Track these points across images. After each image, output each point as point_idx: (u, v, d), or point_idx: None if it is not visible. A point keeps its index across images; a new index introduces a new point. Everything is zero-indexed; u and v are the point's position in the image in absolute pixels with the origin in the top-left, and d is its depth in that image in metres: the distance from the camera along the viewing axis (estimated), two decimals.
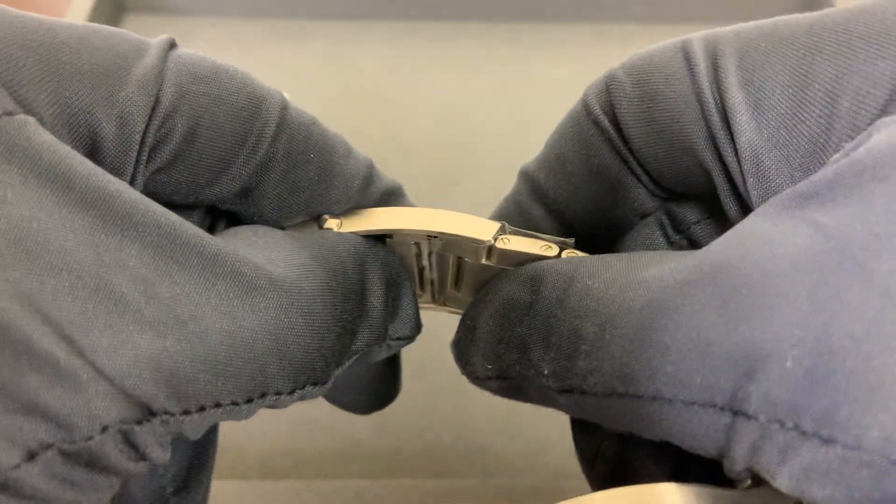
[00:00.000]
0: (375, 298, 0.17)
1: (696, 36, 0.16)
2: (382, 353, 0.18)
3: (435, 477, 0.34)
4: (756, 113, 0.14)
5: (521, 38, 0.49)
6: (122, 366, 0.12)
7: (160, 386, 0.13)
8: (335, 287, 0.16)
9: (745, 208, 0.15)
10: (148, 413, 0.13)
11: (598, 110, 0.17)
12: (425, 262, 0.19)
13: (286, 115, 0.16)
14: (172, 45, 0.15)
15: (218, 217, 0.18)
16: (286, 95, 0.17)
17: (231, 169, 0.16)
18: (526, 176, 0.19)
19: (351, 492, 0.31)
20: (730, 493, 0.12)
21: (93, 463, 0.13)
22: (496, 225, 0.17)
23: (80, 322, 0.12)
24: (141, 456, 0.13)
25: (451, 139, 0.44)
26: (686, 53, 0.15)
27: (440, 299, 0.21)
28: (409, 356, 0.38)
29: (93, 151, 0.14)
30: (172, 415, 0.13)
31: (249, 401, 0.14)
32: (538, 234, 0.17)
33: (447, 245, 0.18)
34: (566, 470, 0.34)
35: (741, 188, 0.15)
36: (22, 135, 0.12)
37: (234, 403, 0.14)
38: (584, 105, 0.17)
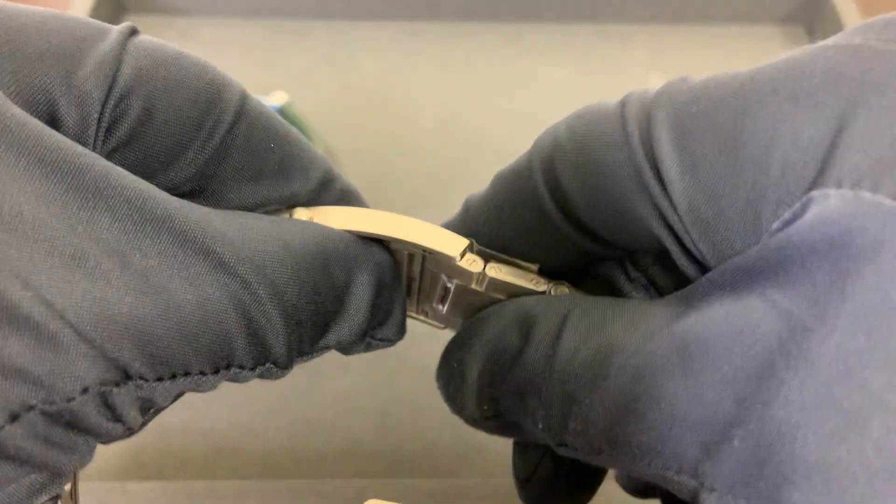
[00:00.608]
0: (360, 299, 0.17)
1: (633, 97, 0.16)
2: (361, 351, 0.18)
3: (435, 477, 0.34)
4: (693, 179, 0.14)
5: (521, 38, 0.49)
6: (102, 329, 0.12)
7: (137, 351, 0.13)
8: (314, 270, 0.16)
9: (699, 264, 0.15)
10: (125, 376, 0.13)
11: (539, 180, 0.17)
12: (416, 274, 0.19)
13: (246, 104, 0.16)
14: (134, 32, 0.16)
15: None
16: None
17: (187, 153, 0.16)
18: (466, 213, 0.19)
19: (351, 492, 0.31)
20: None
21: (73, 424, 0.13)
22: (465, 242, 0.17)
23: (61, 287, 0.12)
24: (117, 418, 0.13)
25: (451, 139, 0.44)
26: (623, 119, 0.15)
27: (422, 311, 0.21)
28: (410, 356, 0.38)
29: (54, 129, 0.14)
30: (147, 380, 0.13)
31: (216, 371, 0.15)
32: (521, 265, 0.18)
33: (439, 264, 0.18)
34: None
35: (692, 249, 0.15)
36: None
37: (202, 373, 0.14)
38: (529, 170, 0.17)
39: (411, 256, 0.19)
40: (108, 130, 0.15)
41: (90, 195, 0.13)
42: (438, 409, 0.36)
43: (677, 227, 0.15)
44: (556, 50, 0.49)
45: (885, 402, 0.11)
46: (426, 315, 0.21)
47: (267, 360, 0.15)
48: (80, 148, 0.13)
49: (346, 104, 0.46)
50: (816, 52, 0.13)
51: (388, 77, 0.47)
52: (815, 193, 0.13)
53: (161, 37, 0.16)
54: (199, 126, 0.16)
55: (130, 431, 0.14)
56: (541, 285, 0.17)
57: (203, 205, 0.17)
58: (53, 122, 0.14)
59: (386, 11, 0.49)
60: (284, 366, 0.16)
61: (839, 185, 0.12)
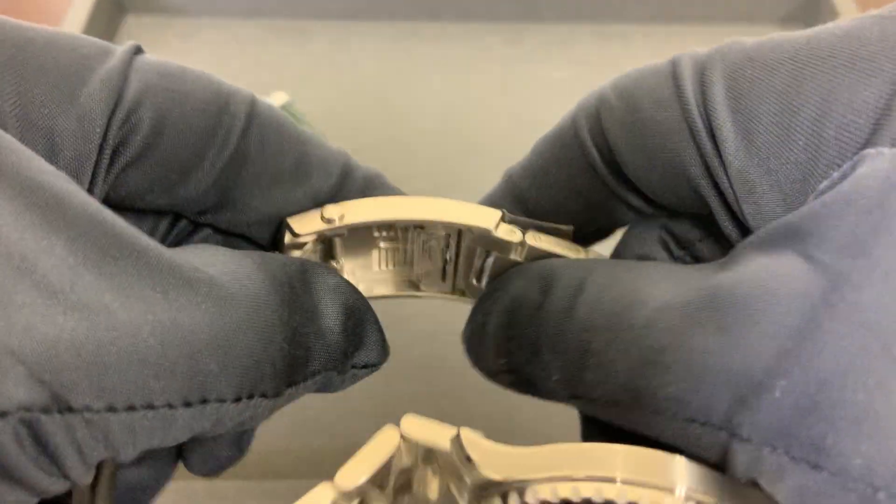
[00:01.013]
0: (331, 321, 0.16)
1: (685, 57, 0.16)
2: (347, 383, 0.17)
3: None
4: (746, 140, 0.14)
5: (521, 38, 0.49)
6: (36, 346, 0.11)
7: (80, 373, 0.11)
8: (282, 293, 0.15)
9: (743, 228, 0.15)
10: (64, 405, 0.11)
11: (586, 136, 0.17)
12: (450, 256, 0.19)
13: (255, 109, 0.16)
14: (138, 51, 0.16)
15: (195, 232, 0.18)
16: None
17: (203, 163, 0.16)
18: (510, 181, 0.19)
19: None
20: (734, 483, 0.13)
21: None
22: (496, 213, 0.17)
23: None
24: (53, 461, 0.11)
25: (451, 139, 0.44)
26: (675, 78, 0.15)
27: (458, 288, 0.21)
28: (410, 356, 0.38)
29: (52, 146, 0.14)
30: (96, 411, 0.12)
31: (188, 405, 0.13)
32: (560, 230, 0.17)
33: (478, 239, 0.18)
34: None
35: (737, 211, 0.15)
36: None
37: (170, 406, 0.13)
38: (574, 128, 0.17)
39: (447, 238, 0.19)
40: (119, 147, 0.15)
41: (48, 209, 0.12)
42: (439, 410, 0.36)
43: (724, 186, 0.15)
44: (557, 50, 0.49)
45: None
46: (462, 294, 0.21)
47: (252, 391, 0.14)
48: (45, 164, 0.13)
49: (346, 104, 0.46)
50: (873, 21, 0.14)
51: (388, 77, 0.47)
52: (867, 151, 0.13)
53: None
54: (211, 134, 0.16)
55: (71, 485, 0.12)
56: (580, 253, 0.17)
57: (228, 217, 0.17)
58: (52, 138, 0.14)
59: (386, 11, 0.49)
60: (275, 395, 0.15)
61: (893, 145, 0.12)
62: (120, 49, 0.15)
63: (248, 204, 0.17)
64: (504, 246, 0.18)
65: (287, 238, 0.17)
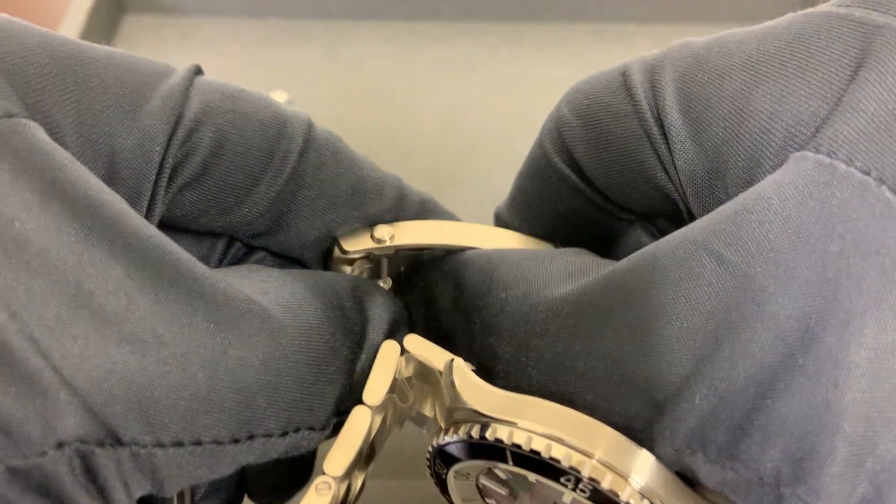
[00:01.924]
0: (377, 334, 0.16)
1: (635, 64, 0.16)
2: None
3: None
4: (694, 142, 0.14)
5: (521, 38, 0.49)
6: (90, 377, 0.11)
7: (130, 406, 0.11)
8: (332, 318, 0.15)
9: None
10: (114, 438, 0.11)
11: (556, 160, 0.17)
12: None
13: (312, 133, 0.16)
14: (199, 71, 0.16)
15: (250, 254, 0.18)
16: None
17: (259, 185, 0.15)
18: (500, 221, 0.19)
19: None
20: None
21: (44, 488, 0.11)
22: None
23: (53, 325, 0.11)
24: (100, 490, 0.11)
25: (452, 139, 0.44)
26: (628, 88, 0.15)
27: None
28: None
29: (111, 165, 0.14)
30: (143, 446, 0.11)
31: (235, 441, 0.13)
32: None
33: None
34: None
35: (689, 210, 0.15)
36: (20, 136, 0.12)
37: (217, 442, 0.12)
38: (545, 155, 0.17)
39: None
40: (178, 166, 0.15)
41: (108, 232, 0.12)
42: None
43: (679, 190, 0.15)
44: (557, 50, 0.49)
45: (837, 359, 0.11)
46: None
47: (299, 425, 0.14)
48: (103, 185, 0.13)
49: (346, 104, 0.46)
50: (820, 23, 0.14)
51: (389, 77, 0.47)
52: (794, 154, 0.13)
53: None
54: (269, 157, 0.15)
55: None
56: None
57: (283, 240, 0.17)
58: (113, 155, 0.14)
59: (386, 11, 0.49)
60: (322, 428, 0.14)
61: (818, 151, 0.12)
62: (181, 69, 0.15)
63: (302, 228, 0.17)
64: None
65: (336, 253, 0.17)
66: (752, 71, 0.14)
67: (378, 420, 0.15)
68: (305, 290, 0.15)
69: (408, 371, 0.16)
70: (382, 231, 0.17)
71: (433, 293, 0.17)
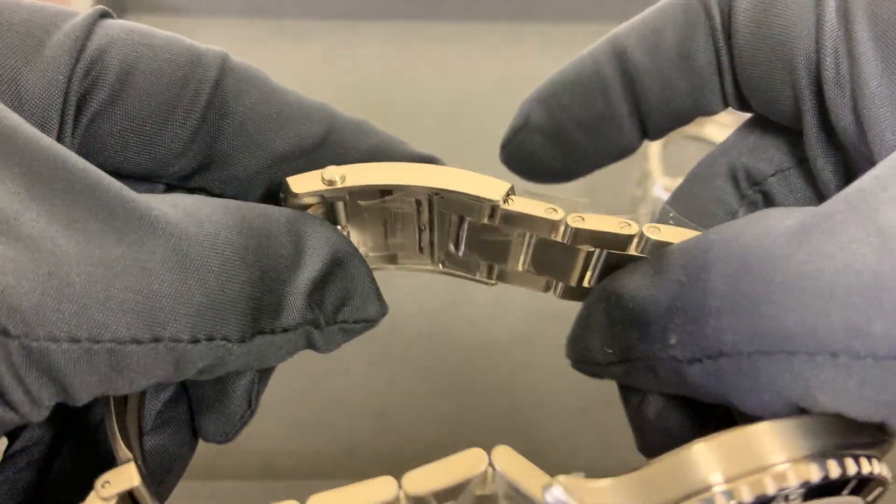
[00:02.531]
0: (312, 272, 0.15)
1: None
2: (335, 340, 0.17)
3: None
4: (886, 72, 0.14)
5: (521, 38, 0.49)
6: None
7: (19, 301, 0.11)
8: (249, 237, 0.14)
9: (831, 152, 0.15)
10: (1, 330, 0.11)
11: (713, 2, 0.17)
12: (424, 223, 0.19)
13: (228, 62, 0.16)
14: (107, 14, 0.16)
15: None
16: None
17: (176, 113, 0.16)
18: (613, 38, 0.19)
19: None
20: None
21: None
22: (505, 185, 0.16)
23: None
24: (16, 377, 0.11)
25: (451, 139, 0.44)
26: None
27: (439, 259, 0.20)
28: (410, 356, 0.38)
29: (17, 96, 0.14)
30: (34, 339, 0.11)
31: (137, 342, 0.12)
32: (545, 195, 0.17)
33: (448, 203, 0.17)
34: (567, 469, 0.34)
35: (852, 137, 0.15)
36: None
37: (117, 341, 0.12)
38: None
39: (418, 203, 0.18)
40: (87, 93, 0.15)
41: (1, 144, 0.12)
42: (439, 409, 0.36)
43: (836, 103, 0.15)
44: (557, 50, 0.49)
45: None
46: (443, 265, 0.20)
47: (212, 333, 0.13)
48: (5, 108, 0.13)
49: (346, 104, 0.46)
50: None
51: (389, 77, 0.47)
52: None
53: None
54: (182, 84, 0.16)
55: (21, 419, 0.12)
56: (557, 214, 0.16)
57: (218, 176, 0.16)
58: (19, 90, 0.14)
59: (386, 11, 0.49)
60: (241, 340, 0.14)
61: None
62: (87, 11, 0.16)
63: (234, 159, 0.16)
64: (476, 209, 0.17)
65: (289, 200, 0.17)
66: None
67: None
68: (220, 208, 0.15)
69: (484, 489, 0.14)
70: (332, 172, 0.17)
71: (629, 293, 0.16)
